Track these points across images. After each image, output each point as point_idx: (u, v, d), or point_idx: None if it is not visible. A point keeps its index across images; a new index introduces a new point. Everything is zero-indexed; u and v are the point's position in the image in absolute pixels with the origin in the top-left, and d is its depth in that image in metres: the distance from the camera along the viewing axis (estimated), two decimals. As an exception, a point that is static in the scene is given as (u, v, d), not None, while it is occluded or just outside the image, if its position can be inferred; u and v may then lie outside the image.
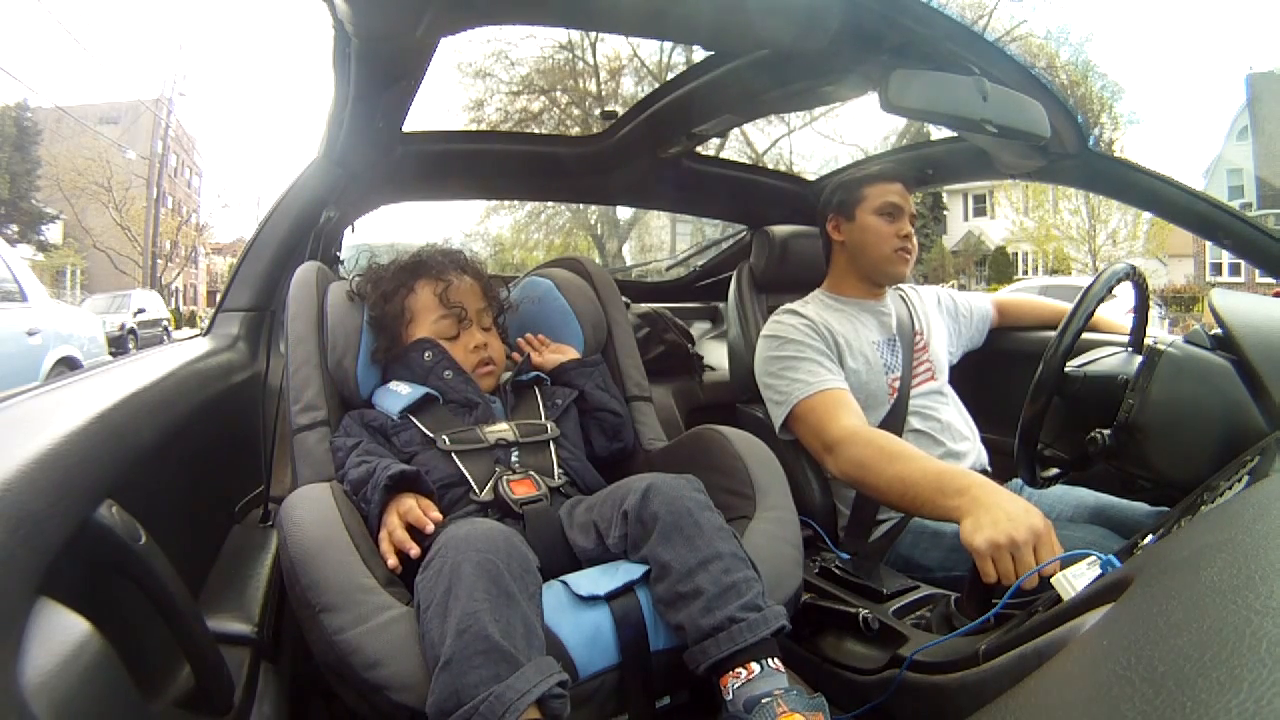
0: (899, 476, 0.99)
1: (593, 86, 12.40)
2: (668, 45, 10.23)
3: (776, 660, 0.66)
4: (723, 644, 0.65)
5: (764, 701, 0.62)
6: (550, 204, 12.09)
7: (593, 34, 10.07)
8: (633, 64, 12.34)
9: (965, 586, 0.88)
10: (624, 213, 13.48)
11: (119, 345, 9.11)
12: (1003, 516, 0.82)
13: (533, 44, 11.98)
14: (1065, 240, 16.98)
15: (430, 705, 0.59)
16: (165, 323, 12.19)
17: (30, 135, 16.13)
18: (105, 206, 17.15)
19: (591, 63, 12.33)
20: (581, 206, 11.98)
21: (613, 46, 12.05)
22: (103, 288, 14.98)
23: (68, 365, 4.27)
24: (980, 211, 19.84)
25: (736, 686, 0.64)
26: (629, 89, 12.45)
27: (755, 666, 0.65)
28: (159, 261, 18.34)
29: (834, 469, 1.12)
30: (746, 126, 8.14)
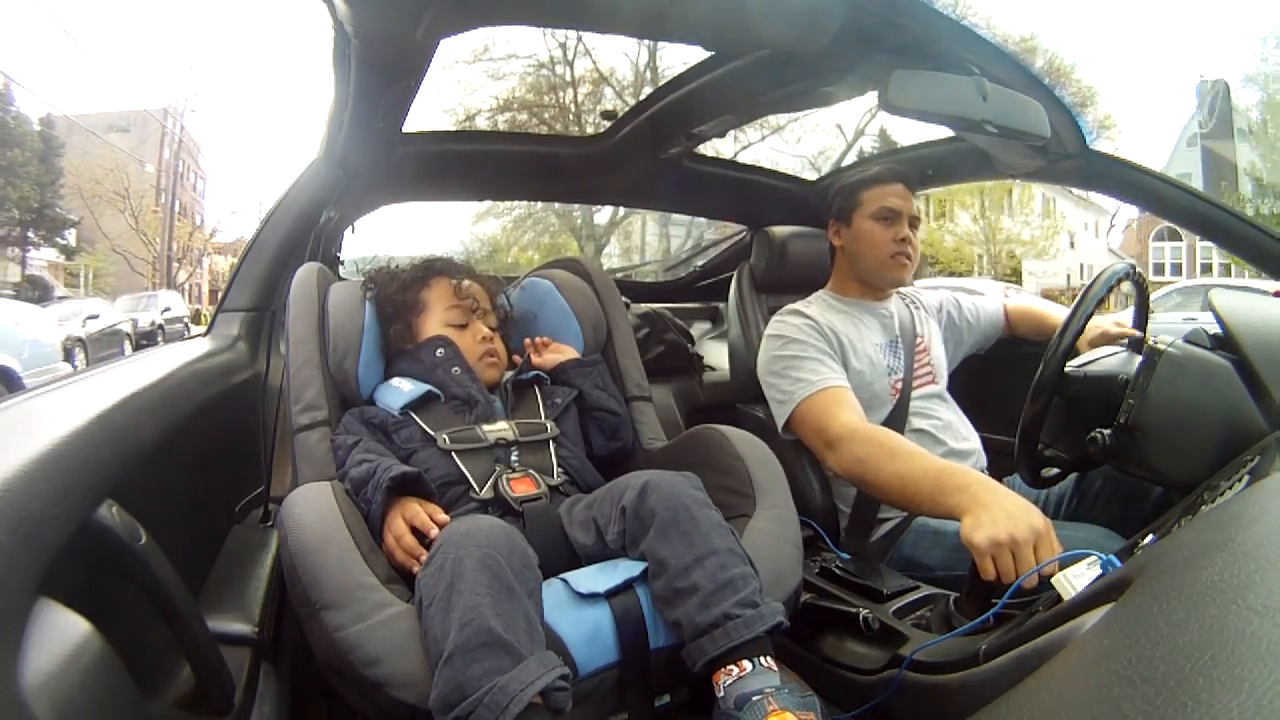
0: (898, 474, 0.99)
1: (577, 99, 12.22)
2: (643, 59, 10.23)
3: (769, 658, 0.66)
4: (718, 640, 0.66)
5: (754, 699, 0.62)
6: (537, 207, 12.12)
7: (570, 53, 10.07)
8: (613, 77, 12.18)
9: (965, 586, 0.88)
10: (601, 218, 13.35)
11: (149, 339, 10.61)
12: (1003, 515, 0.82)
13: (516, 63, 11.85)
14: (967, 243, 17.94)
15: (434, 700, 0.59)
16: (185, 319, 13.23)
17: (54, 147, 17.09)
18: (120, 213, 18.18)
19: (570, 78, 12.17)
20: (568, 210, 11.97)
21: (591, 60, 11.90)
22: (119, 289, 16.36)
23: (2, 378, 3.58)
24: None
25: (728, 684, 0.65)
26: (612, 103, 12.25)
27: (748, 664, 0.65)
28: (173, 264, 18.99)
29: (834, 466, 1.12)
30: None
